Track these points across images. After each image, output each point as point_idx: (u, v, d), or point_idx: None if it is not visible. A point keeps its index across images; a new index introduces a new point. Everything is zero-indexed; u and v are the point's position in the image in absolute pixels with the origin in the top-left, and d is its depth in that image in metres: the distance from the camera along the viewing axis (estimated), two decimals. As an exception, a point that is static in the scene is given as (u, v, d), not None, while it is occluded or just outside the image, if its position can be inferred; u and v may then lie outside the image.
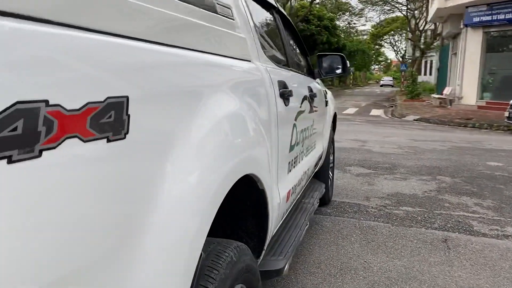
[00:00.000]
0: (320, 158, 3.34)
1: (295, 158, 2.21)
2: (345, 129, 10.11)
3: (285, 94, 1.88)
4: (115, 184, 0.70)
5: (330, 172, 4.07)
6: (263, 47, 1.93)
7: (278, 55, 2.32)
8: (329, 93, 3.81)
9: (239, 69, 1.43)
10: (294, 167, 2.20)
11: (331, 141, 3.99)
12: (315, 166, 3.08)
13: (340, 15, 44.16)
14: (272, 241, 2.08)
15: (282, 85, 1.88)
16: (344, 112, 15.95)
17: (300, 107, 2.27)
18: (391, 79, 55.36)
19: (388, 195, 4.44)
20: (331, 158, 4.16)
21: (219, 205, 1.04)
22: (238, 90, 1.32)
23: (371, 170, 5.63)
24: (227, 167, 1.07)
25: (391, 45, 59.55)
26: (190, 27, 1.11)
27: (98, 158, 0.66)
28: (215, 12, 1.34)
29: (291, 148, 2.07)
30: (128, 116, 0.73)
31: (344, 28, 47.46)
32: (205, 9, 1.24)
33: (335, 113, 4.04)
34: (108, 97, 0.68)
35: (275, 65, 1.99)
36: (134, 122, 0.74)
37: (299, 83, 2.41)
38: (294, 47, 3.00)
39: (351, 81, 50.50)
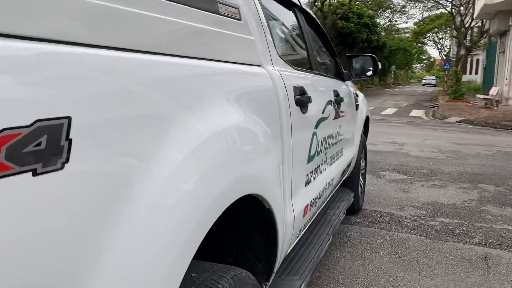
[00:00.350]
0: (349, 166, 3.15)
1: (315, 169, 2.04)
2: (382, 130, 9.77)
3: (302, 101, 1.72)
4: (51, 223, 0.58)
5: (361, 179, 3.86)
6: (279, 50, 1.77)
7: (299, 57, 2.16)
8: (360, 95, 3.60)
9: (240, 76, 1.28)
10: (314, 178, 2.03)
11: (363, 147, 3.78)
12: (342, 174, 2.89)
13: (380, 12, 43.10)
14: (288, 258, 1.93)
15: (299, 91, 1.72)
16: (382, 112, 15.49)
17: (323, 113, 2.10)
18: (434, 78, 53.60)
19: (423, 204, 4.18)
20: (363, 164, 3.95)
21: (204, 235, 0.91)
22: (236, 100, 1.18)
23: (407, 176, 5.35)
24: (213, 192, 0.92)
25: (434, 43, 57.69)
26: (169, 26, 0.98)
27: (19, 196, 0.53)
28: (216, 12, 1.20)
29: (310, 158, 1.90)
30: (70, 141, 0.60)
31: (385, 25, 46.27)
32: (200, 9, 1.11)
33: (368, 116, 3.82)
34: (38, 120, 0.55)
35: (293, 69, 1.83)
36: (79, 148, 0.61)
37: (322, 87, 2.24)
38: (320, 48, 2.83)
39: (392, 80, 49.20)
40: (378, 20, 38.32)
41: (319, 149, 2.06)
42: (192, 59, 1.03)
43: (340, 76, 3.04)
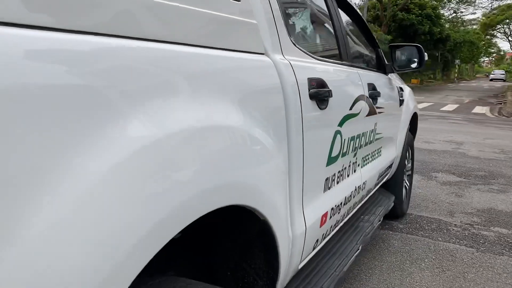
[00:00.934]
0: (389, 167, 2.87)
1: (339, 172, 1.81)
2: (440, 128, 9.18)
3: (319, 95, 1.50)
4: None
5: (406, 181, 3.54)
6: (295, 37, 1.56)
7: (324, 46, 1.93)
8: (406, 90, 3.28)
9: (226, 65, 1.08)
10: (338, 182, 1.80)
11: (409, 146, 3.46)
12: (380, 176, 2.62)
13: (445, 3, 40.88)
14: (305, 271, 1.72)
15: (317, 83, 1.50)
16: (442, 108, 14.64)
17: (351, 109, 1.86)
18: (503, 72, 50.26)
19: (478, 210, 3.78)
20: (409, 164, 3.62)
21: (152, 255, 0.73)
22: (218, 94, 0.99)
23: (462, 178, 4.91)
24: (161, 208, 0.74)
25: (505, 35, 53.97)
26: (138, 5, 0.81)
27: None
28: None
29: (332, 160, 1.68)
30: None
31: (449, 17, 43.86)
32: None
33: (415, 113, 3.49)
34: None
35: (313, 59, 1.61)
36: None
37: (352, 80, 1.99)
38: (356, 36, 2.56)
39: (456, 75, 46.62)
40: (442, 11, 36.37)
41: (344, 150, 1.83)
42: (157, 43, 0.86)
43: (381, 68, 2.75)
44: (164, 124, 0.79)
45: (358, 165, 2.12)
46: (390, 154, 2.84)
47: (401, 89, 3.05)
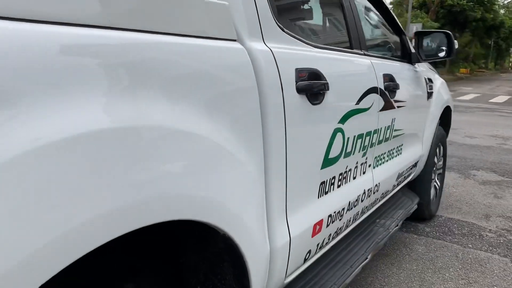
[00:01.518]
0: (413, 166, 2.62)
1: (341, 174, 1.62)
2: (485, 121, 8.62)
3: (311, 88, 1.31)
4: None
5: (436, 181, 3.27)
6: (283, 19, 1.38)
7: (326, 32, 1.72)
8: (438, 81, 2.99)
9: (180, 54, 0.92)
10: (339, 185, 1.61)
11: (440, 142, 3.17)
12: (400, 176, 2.39)
13: (500, -13, 38.55)
14: (299, 283, 1.55)
15: (308, 75, 1.32)
16: (491, 100, 13.81)
17: (357, 103, 1.65)
18: None
19: (518, 214, 3.44)
20: (440, 162, 3.33)
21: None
22: (160, 87, 0.83)
23: (504, 177, 4.53)
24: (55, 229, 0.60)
25: None
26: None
27: None
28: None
29: (329, 162, 1.49)
30: None
31: (505, 2, 41.37)
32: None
33: (448, 106, 3.19)
34: None
35: (308, 47, 1.42)
36: None
37: (360, 71, 1.77)
38: (373, 21, 2.32)
39: (510, 64, 44.05)
40: (496, -4, 34.32)
41: (348, 149, 1.63)
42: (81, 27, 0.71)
43: (406, 57, 2.50)
44: (74, 124, 0.65)
45: (369, 165, 1.91)
46: (414, 152, 2.59)
47: (430, 80, 2.77)
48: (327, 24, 1.86)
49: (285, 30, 1.32)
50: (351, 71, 1.68)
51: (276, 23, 1.28)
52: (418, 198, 2.78)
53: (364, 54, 1.88)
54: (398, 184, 2.43)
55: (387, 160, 2.14)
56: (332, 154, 1.50)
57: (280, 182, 1.22)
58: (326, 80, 1.40)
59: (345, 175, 1.66)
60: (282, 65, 1.21)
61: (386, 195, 2.26)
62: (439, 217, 3.32)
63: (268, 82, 1.14)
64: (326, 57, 1.52)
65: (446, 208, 3.51)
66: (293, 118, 1.25)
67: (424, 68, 2.74)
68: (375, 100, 1.83)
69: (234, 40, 1.10)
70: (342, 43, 1.88)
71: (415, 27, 16.93)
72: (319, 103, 1.37)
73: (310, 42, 1.45)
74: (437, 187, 3.32)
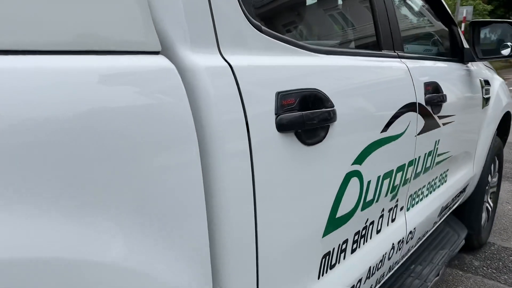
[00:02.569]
0: (462, 192, 2.08)
1: (357, 234, 1.14)
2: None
3: (305, 123, 0.83)
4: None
5: (488, 202, 2.69)
6: (261, 11, 0.90)
7: (338, 27, 1.22)
8: (495, 82, 2.38)
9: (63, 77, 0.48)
10: (353, 250, 1.13)
11: (495, 155, 2.59)
12: (445, 209, 1.86)
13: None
14: None
15: (300, 101, 0.83)
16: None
17: (385, 130, 1.15)
18: None
19: None
20: (494, 179, 2.74)
21: None
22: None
23: None
24: None
25: None
26: None
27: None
28: None
29: (337, 223, 1.01)
30: None
31: None
32: None
33: (508, 112, 2.58)
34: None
35: (306, 52, 0.94)
36: None
37: (391, 81, 1.26)
38: (412, 7, 1.78)
39: None
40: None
41: (369, 197, 1.14)
42: None
43: (457, 55, 1.94)
44: None
45: (401, 209, 1.41)
46: (464, 175, 2.04)
47: (487, 82, 2.19)
48: (341, 16, 1.34)
49: (265, 29, 0.84)
50: (375, 83, 1.17)
51: (248, 19, 0.80)
52: (466, 230, 2.23)
53: (398, 56, 1.36)
54: (441, 219, 1.91)
55: (426, 195, 1.62)
56: (342, 211, 1.02)
57: (247, 273, 0.76)
58: (331, 105, 0.91)
59: (364, 233, 1.17)
60: (251, 89, 0.74)
61: (424, 236, 1.74)
62: (491, 245, 2.75)
63: (218, 122, 0.68)
64: (334, 66, 1.02)
65: (499, 232, 2.93)
66: (271, 174, 0.78)
67: (479, 67, 2.16)
68: (412, 121, 1.32)
69: (156, 53, 0.64)
70: (363, 42, 1.37)
71: (465, 11, 15.61)
72: (319, 142, 0.89)
73: (309, 46, 0.96)
74: (490, 209, 2.74)
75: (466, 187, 2.12)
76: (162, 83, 0.61)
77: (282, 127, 0.79)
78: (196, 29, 0.69)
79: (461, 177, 2.00)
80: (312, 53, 0.95)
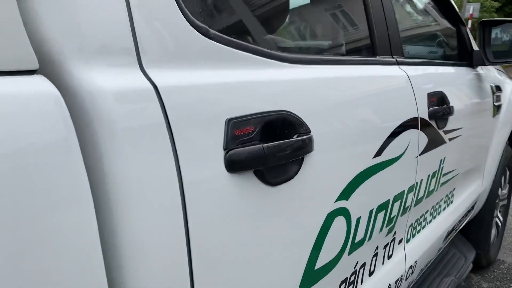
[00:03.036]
0: (470, 210, 1.87)
1: (345, 281, 0.93)
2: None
3: (265, 158, 0.62)
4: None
5: (498, 216, 2.47)
6: (211, 8, 0.70)
7: (322, 28, 1.02)
8: (507, 86, 2.15)
9: None
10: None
11: (506, 166, 2.37)
12: (451, 232, 1.65)
13: None
14: None
15: (262, 129, 0.63)
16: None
17: (378, 155, 0.95)
18: None
19: None
20: (504, 191, 2.52)
21: None
22: None
23: None
24: None
25: None
26: None
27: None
28: None
29: (315, 275, 0.81)
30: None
31: None
32: None
33: (520, 118, 2.36)
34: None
35: (268, 63, 0.73)
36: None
37: (387, 94, 1.05)
38: (414, 4, 1.57)
39: None
40: None
41: (359, 237, 0.93)
42: None
43: (465, 58, 1.72)
44: None
45: (400, 241, 1.20)
46: (472, 192, 1.83)
47: (498, 88, 1.97)
48: (323, 14, 1.13)
49: (215, 34, 0.63)
50: (366, 97, 0.95)
51: (189, 19, 0.59)
52: (474, 252, 2.02)
53: (396, 63, 1.15)
54: (446, 243, 1.69)
55: (430, 221, 1.42)
56: (323, 260, 0.81)
57: None
58: (306, 130, 0.71)
59: (353, 279, 0.96)
60: (186, 118, 0.54)
61: (426, 267, 1.53)
62: (501, 263, 2.53)
63: (133, 178, 0.48)
64: (310, 80, 0.81)
65: (509, 248, 2.71)
66: (219, 230, 0.58)
67: (488, 70, 1.94)
68: (413, 140, 1.11)
69: (31, 72, 0.43)
70: (353, 46, 1.16)
71: (471, 7, 15.26)
72: (289, 179, 0.68)
73: (278, 54, 0.75)
74: (499, 224, 2.52)
75: (474, 204, 1.91)
76: (33, 114, 0.41)
77: (233, 165, 0.59)
78: (101, 34, 0.49)
79: (469, 194, 1.79)
80: (281, 63, 0.74)
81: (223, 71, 0.63)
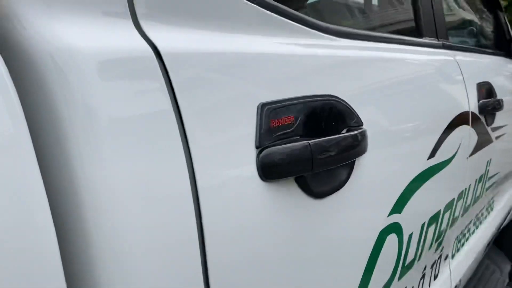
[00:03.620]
0: (507, 214, 1.68)
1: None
2: None
3: (290, 162, 0.44)
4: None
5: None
6: None
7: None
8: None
9: None
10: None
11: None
12: (491, 240, 1.47)
13: None
14: None
15: (303, 113, 0.45)
16: None
17: (432, 156, 0.76)
18: None
19: None
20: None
21: None
22: None
23: None
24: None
25: None
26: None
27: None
28: None
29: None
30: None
31: None
32: None
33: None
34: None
35: (304, 32, 0.55)
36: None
37: (439, 81, 0.87)
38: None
39: None
40: None
41: (409, 257, 0.75)
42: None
43: (503, 48, 1.54)
44: None
45: (445, 258, 1.02)
46: (510, 197, 1.65)
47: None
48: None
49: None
50: (419, 85, 0.77)
51: None
52: (510, 263, 1.83)
53: (443, 46, 0.97)
54: (484, 254, 1.51)
55: (473, 232, 1.24)
56: (371, 290, 0.63)
57: None
58: (357, 122, 0.53)
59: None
60: (199, 96, 0.36)
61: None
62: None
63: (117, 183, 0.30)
64: (359, 58, 0.62)
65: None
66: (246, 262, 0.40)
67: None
68: (464, 138, 0.93)
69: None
70: (396, 22, 0.98)
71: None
72: (337, 189, 0.50)
73: (319, 23, 0.57)
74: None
75: (511, 209, 1.73)
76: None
77: (270, 170, 0.41)
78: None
79: (508, 199, 1.61)
80: (323, 34, 0.56)
81: (250, 36, 0.45)
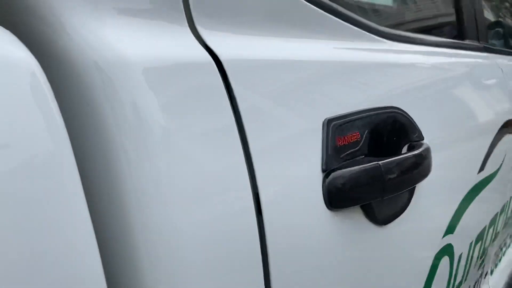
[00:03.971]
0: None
1: None
2: None
3: (361, 187, 0.38)
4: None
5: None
6: None
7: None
8: None
9: None
10: None
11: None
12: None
13: None
14: None
15: (368, 128, 0.39)
16: None
17: (481, 169, 0.71)
18: None
19: None
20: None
21: None
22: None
23: None
24: None
25: None
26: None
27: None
28: None
29: None
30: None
31: None
32: None
33: None
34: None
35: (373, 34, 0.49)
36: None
37: (484, 89, 0.81)
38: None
39: None
40: None
41: (460, 278, 0.70)
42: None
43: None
44: None
45: (485, 275, 0.96)
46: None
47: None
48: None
49: None
50: (466, 91, 0.71)
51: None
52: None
53: (484, 49, 0.91)
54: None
55: (509, 245, 1.17)
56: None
57: None
58: (419, 137, 0.47)
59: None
60: (262, 110, 0.31)
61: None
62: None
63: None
64: (410, 63, 0.57)
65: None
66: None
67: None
68: (509, 149, 0.87)
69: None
70: (437, 25, 0.92)
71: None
72: (399, 214, 0.45)
73: (375, 26, 0.51)
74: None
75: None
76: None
77: (339, 198, 0.35)
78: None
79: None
80: (380, 38, 0.51)
81: (312, 42, 0.39)
